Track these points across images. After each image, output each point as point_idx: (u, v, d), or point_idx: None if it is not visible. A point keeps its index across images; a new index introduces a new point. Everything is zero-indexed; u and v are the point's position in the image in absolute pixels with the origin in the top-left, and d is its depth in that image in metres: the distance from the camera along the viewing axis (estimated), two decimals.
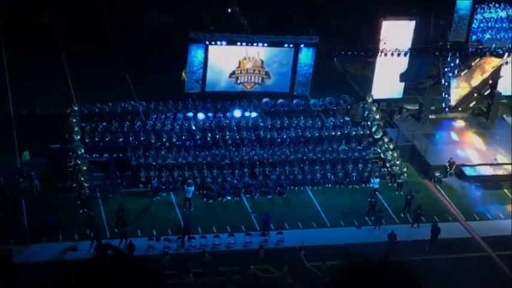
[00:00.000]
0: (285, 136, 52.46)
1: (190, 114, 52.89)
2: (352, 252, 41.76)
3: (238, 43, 54.39)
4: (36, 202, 45.74)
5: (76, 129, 49.50)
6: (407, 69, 56.10)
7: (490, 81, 58.66)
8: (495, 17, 56.72)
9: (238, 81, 55.36)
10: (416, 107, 57.80)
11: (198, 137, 51.20)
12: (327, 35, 56.59)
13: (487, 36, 56.63)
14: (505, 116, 59.05)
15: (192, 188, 47.03)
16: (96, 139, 49.90)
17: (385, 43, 54.48)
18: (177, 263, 41.56)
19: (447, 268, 43.51)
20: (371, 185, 49.45)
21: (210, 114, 53.13)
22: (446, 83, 58.45)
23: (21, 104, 52.80)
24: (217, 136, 51.49)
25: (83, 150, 48.15)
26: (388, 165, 51.97)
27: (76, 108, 51.12)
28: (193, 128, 51.90)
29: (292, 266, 42.22)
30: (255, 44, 54.65)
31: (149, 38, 59.28)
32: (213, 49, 54.06)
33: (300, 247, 43.51)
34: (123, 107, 52.67)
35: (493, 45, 56.56)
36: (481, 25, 56.50)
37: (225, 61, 54.73)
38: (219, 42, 54.00)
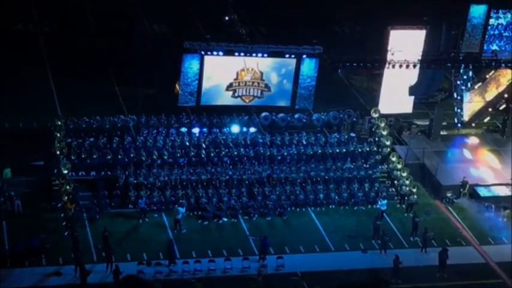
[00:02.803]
0: (285, 153, 52.75)
1: (184, 129, 53.29)
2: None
3: (236, 53, 54.67)
4: (18, 224, 45.91)
5: (61, 145, 49.70)
6: (417, 82, 56.46)
7: (506, 95, 58.90)
8: (504, 24, 56.53)
9: (236, 95, 55.62)
10: (427, 123, 58.21)
11: (192, 153, 51.41)
12: (331, 45, 56.75)
13: (494, 47, 56.45)
14: None
15: (183, 209, 47.21)
16: (83, 156, 50.15)
17: (393, 54, 54.62)
18: None
19: None
20: (378, 207, 49.66)
21: (205, 130, 53.53)
22: (459, 97, 58.74)
23: (2, 117, 52.55)
24: (213, 153, 51.73)
25: (68, 168, 48.42)
26: (396, 184, 52.38)
27: (61, 122, 51.38)
28: (187, 144, 52.17)
29: None
30: (254, 55, 54.95)
31: (140, 47, 59.37)
32: (208, 60, 54.32)
33: (302, 275, 43.83)
34: (112, 121, 52.92)
35: (503, 58, 56.43)
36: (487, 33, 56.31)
37: (222, 73, 54.98)
38: (215, 53, 54.27)
